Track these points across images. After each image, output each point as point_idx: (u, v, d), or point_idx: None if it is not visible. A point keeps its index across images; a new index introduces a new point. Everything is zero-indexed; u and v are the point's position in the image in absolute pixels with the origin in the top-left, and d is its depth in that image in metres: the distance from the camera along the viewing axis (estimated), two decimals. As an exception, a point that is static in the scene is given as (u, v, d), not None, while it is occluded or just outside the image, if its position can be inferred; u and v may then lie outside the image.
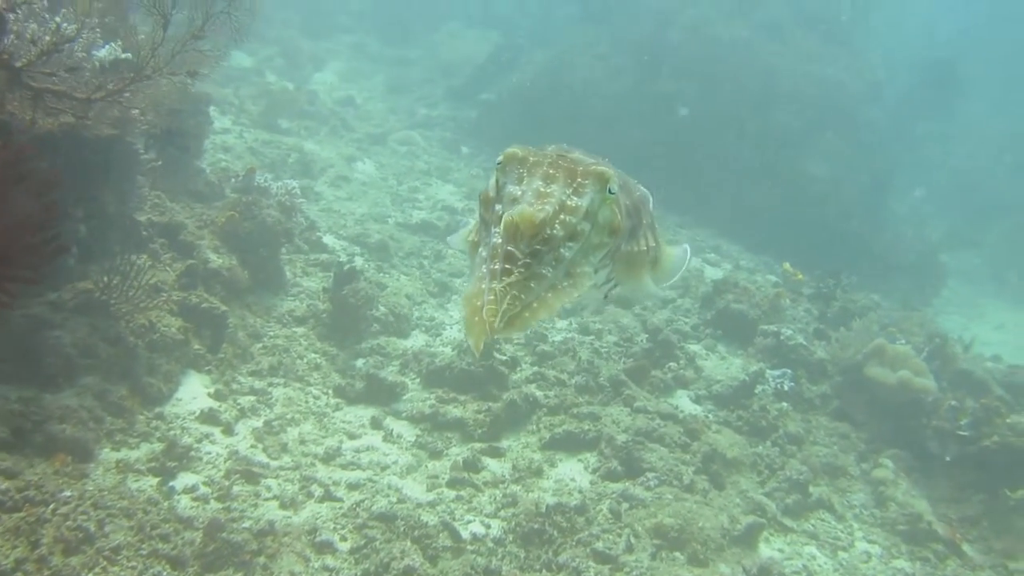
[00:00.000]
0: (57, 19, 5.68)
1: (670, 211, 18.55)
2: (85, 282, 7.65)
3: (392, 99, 24.13)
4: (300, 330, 9.66)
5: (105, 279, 7.60)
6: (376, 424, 8.66)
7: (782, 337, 11.57)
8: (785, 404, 10.58)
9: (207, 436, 7.66)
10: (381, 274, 11.87)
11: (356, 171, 16.60)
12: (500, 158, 2.88)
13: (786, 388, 10.79)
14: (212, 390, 8.25)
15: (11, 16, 5.17)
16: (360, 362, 9.54)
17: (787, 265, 14.51)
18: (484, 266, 2.82)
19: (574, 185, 2.80)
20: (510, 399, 9.16)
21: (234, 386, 8.43)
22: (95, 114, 5.68)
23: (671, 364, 10.86)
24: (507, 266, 2.69)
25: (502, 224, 2.72)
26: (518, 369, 9.96)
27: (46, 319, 7.26)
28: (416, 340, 10.47)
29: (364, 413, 8.82)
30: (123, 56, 6.43)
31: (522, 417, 9.18)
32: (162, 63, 5.92)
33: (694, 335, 12.13)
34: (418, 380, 9.54)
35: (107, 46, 6.41)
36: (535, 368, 10.12)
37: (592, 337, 11.36)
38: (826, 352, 11.65)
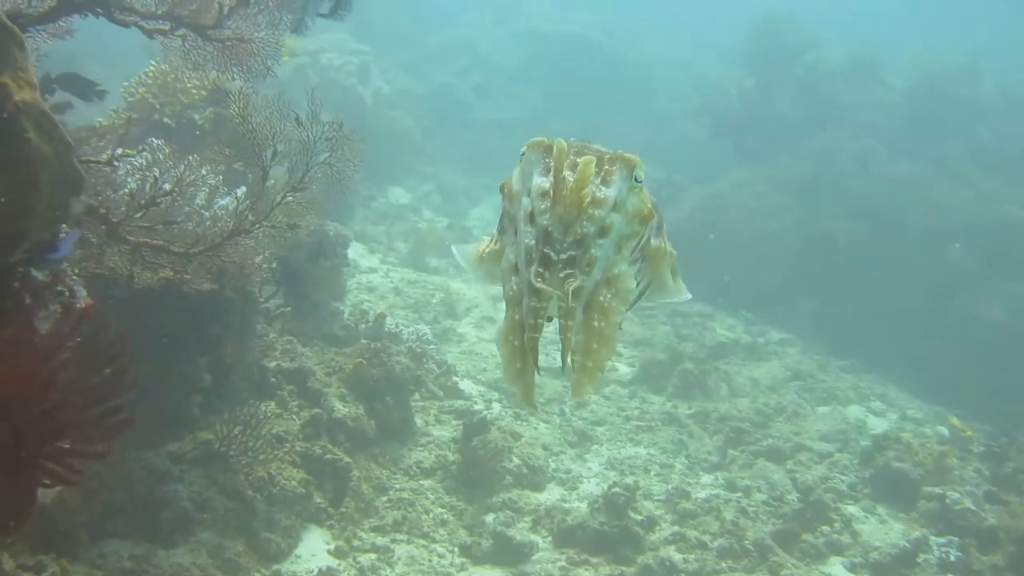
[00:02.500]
0: (177, 169, 5.64)
1: (833, 354, 17.52)
2: (206, 432, 7.57)
3: (547, 235, 24.10)
4: (427, 483, 9.28)
5: (226, 429, 7.49)
6: (502, 587, 8.15)
7: (948, 501, 10.50)
8: (952, 576, 9.52)
9: (323, 597, 7.35)
10: (518, 422, 11.38)
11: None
12: (523, 148, 2.73)
13: (952, 558, 9.72)
14: (332, 546, 7.97)
15: (117, 169, 5.14)
16: (490, 518, 9.05)
17: (954, 420, 13.34)
18: (514, 278, 2.68)
19: (602, 173, 2.69)
20: (645, 563, 8.55)
21: (355, 542, 8.11)
22: (195, 267, 5.59)
23: (824, 527, 9.97)
24: (542, 270, 2.56)
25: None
26: (656, 529, 9.29)
27: (164, 471, 7.18)
28: (551, 494, 9.92)
29: (490, 574, 8.31)
30: (244, 205, 6.35)
31: (658, 584, 8.50)
32: (262, 216, 5.82)
33: (851, 495, 11.11)
34: (550, 539, 9.00)
35: (227, 197, 6.36)
36: (674, 528, 9.42)
37: (739, 494, 10.54)
38: (997, 519, 10.49)
